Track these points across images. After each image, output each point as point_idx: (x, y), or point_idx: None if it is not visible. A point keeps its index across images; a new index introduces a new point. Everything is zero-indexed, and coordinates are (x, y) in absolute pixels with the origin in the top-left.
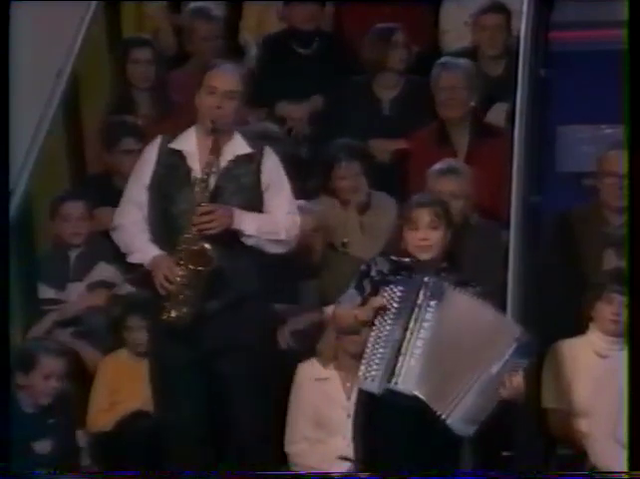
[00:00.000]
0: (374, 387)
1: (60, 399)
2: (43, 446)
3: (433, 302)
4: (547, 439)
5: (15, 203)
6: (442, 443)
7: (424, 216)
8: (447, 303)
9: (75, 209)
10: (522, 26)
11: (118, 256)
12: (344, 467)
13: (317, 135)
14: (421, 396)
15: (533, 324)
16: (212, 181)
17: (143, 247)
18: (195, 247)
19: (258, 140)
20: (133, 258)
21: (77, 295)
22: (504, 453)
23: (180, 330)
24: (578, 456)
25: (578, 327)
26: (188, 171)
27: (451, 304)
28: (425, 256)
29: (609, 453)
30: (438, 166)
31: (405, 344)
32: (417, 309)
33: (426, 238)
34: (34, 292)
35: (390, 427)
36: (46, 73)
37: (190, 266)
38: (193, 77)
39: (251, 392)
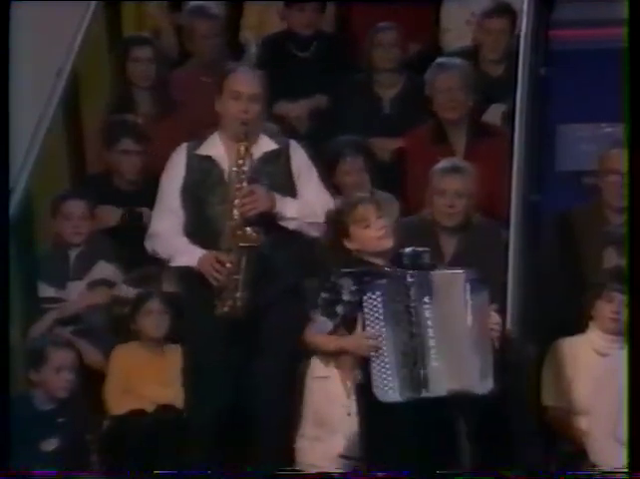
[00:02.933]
0: (396, 397)
1: (70, 396)
2: (50, 444)
3: (426, 298)
4: (547, 437)
5: (15, 201)
6: (445, 442)
7: (370, 209)
8: (438, 292)
9: (76, 207)
10: (523, 25)
11: (118, 255)
12: (344, 465)
13: (317, 134)
14: (457, 389)
15: (533, 323)
16: (246, 173)
17: (186, 250)
18: (240, 231)
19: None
20: (178, 262)
21: (77, 294)
22: (505, 451)
23: (227, 329)
24: (578, 454)
25: (578, 326)
26: (221, 174)
27: (441, 291)
28: (387, 244)
29: (609, 451)
30: (441, 164)
31: (419, 350)
32: (414, 312)
33: (382, 226)
34: (34, 291)
35: (397, 429)
36: (46, 72)
37: (237, 249)
38: (194, 76)
39: (277, 393)
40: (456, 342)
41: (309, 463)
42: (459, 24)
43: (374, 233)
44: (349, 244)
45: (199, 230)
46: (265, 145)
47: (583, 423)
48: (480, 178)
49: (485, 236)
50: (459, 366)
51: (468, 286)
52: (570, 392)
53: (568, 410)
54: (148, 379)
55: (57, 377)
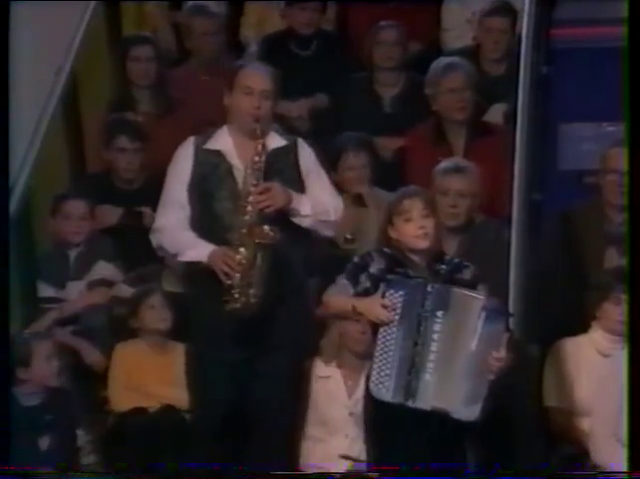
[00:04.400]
0: (388, 397)
1: (59, 395)
2: (42, 443)
3: (439, 313)
4: (549, 438)
5: (14, 200)
6: (449, 443)
7: (416, 205)
8: (453, 310)
9: (76, 207)
10: (524, 24)
11: (118, 255)
12: (346, 466)
13: (318, 133)
14: (440, 408)
15: (535, 323)
16: (262, 171)
17: (195, 245)
18: (257, 228)
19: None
20: (186, 257)
21: (77, 294)
22: (506, 452)
23: (233, 327)
24: (580, 455)
25: (580, 326)
26: (230, 168)
27: (456, 310)
28: (423, 245)
29: (611, 452)
30: (444, 164)
31: (417, 360)
32: (424, 321)
33: (423, 226)
34: (33, 291)
35: (402, 429)
36: (46, 71)
37: (252, 246)
38: (194, 75)
39: (283, 393)
40: (453, 363)
41: (311, 463)
42: (459, 23)
43: (413, 229)
44: (392, 233)
45: (206, 224)
46: (275, 141)
47: (585, 424)
48: (480, 177)
49: (488, 235)
50: (447, 386)
51: (483, 314)
52: (572, 393)
53: (570, 411)
54: (150, 377)
55: (47, 366)
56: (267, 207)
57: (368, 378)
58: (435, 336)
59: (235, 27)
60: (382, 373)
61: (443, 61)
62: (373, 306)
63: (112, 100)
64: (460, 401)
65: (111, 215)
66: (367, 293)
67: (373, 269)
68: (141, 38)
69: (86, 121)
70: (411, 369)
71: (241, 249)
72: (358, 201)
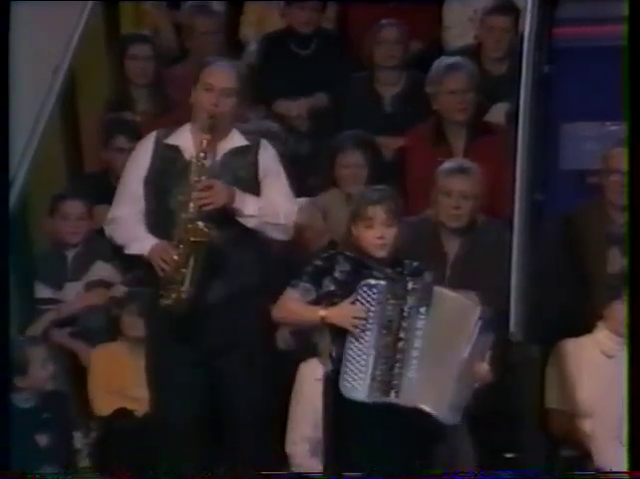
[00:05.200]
0: (363, 396)
1: (55, 396)
2: (38, 445)
3: (422, 309)
4: (551, 440)
5: (12, 200)
6: (417, 440)
7: (379, 213)
8: (435, 307)
9: (74, 207)
10: (526, 22)
11: (115, 255)
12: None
13: (317, 132)
14: (425, 408)
15: (537, 323)
16: (207, 167)
17: (141, 238)
18: (191, 225)
19: (258, 135)
20: (131, 249)
21: (74, 295)
22: (507, 455)
23: (181, 326)
24: (582, 458)
25: (582, 326)
26: (186, 165)
27: (439, 307)
28: (381, 254)
29: (614, 455)
30: (448, 164)
31: (400, 356)
32: (407, 317)
33: (382, 236)
34: (31, 292)
35: (363, 427)
36: (44, 70)
37: (187, 243)
38: (192, 73)
39: (251, 392)
40: (443, 366)
41: (310, 466)
42: (461, 21)
43: (372, 237)
44: (354, 231)
45: (159, 219)
46: (235, 140)
47: (587, 426)
48: (482, 177)
49: (490, 237)
50: (436, 388)
51: (479, 323)
52: (574, 394)
53: (572, 413)
54: (129, 380)
55: (42, 371)
56: (207, 204)
57: (327, 378)
58: (418, 333)
59: (235, 26)
60: (355, 372)
61: (445, 60)
62: (344, 314)
63: (110, 99)
64: (446, 404)
65: None
66: (329, 297)
67: (337, 273)
68: (139, 36)
69: (84, 120)
70: (393, 366)
71: (180, 246)
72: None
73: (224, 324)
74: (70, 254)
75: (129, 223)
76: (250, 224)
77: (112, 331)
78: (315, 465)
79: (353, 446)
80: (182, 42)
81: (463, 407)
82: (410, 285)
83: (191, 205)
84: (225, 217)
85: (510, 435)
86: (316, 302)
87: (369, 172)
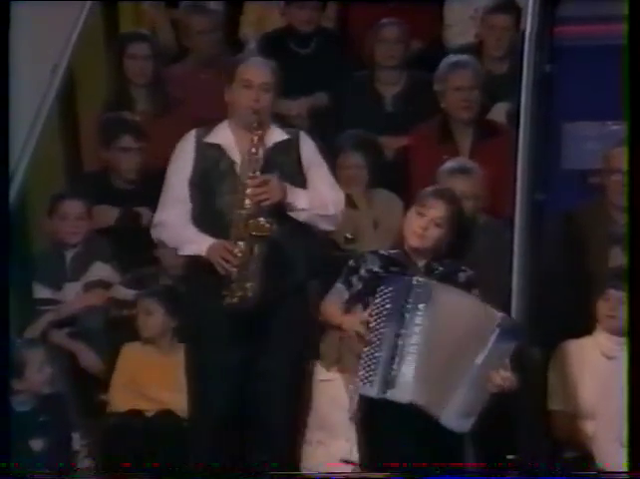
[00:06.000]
0: (373, 392)
1: (53, 398)
2: (36, 447)
3: (421, 305)
4: (553, 442)
5: (11, 200)
6: (445, 441)
7: (437, 207)
8: (435, 304)
9: (74, 207)
10: (528, 21)
11: (115, 256)
12: (346, 470)
13: (318, 132)
14: (418, 403)
15: (539, 324)
16: (260, 162)
17: (195, 239)
18: (253, 221)
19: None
20: (186, 251)
21: (73, 295)
22: (509, 456)
23: (236, 324)
24: (584, 459)
25: (584, 327)
26: (231, 163)
27: (439, 305)
28: (418, 244)
29: (615, 456)
30: (449, 164)
31: (397, 352)
32: (406, 314)
33: (427, 227)
34: (29, 292)
35: (392, 428)
36: (43, 69)
37: (248, 239)
38: (192, 73)
39: (289, 392)
40: (451, 370)
41: (312, 467)
42: (462, 20)
43: (415, 225)
44: (403, 225)
45: (208, 219)
46: (276, 135)
47: (589, 427)
48: (485, 177)
49: (490, 237)
50: (433, 386)
51: (497, 331)
52: (576, 395)
53: (574, 414)
54: (153, 380)
55: (40, 374)
56: (264, 200)
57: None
58: (416, 329)
59: (234, 25)
60: (368, 369)
61: (451, 58)
62: (350, 321)
63: (109, 98)
64: (453, 411)
65: (108, 215)
66: (359, 295)
67: (363, 271)
68: (138, 35)
69: (83, 120)
70: (392, 361)
71: (239, 243)
72: (350, 201)
73: (275, 324)
74: (69, 255)
75: (177, 225)
76: (302, 217)
77: (126, 333)
78: (316, 467)
79: (377, 445)
80: (181, 41)
81: (474, 416)
82: (413, 281)
83: (247, 201)
84: (278, 211)
85: (512, 436)
86: (351, 302)
87: (369, 172)
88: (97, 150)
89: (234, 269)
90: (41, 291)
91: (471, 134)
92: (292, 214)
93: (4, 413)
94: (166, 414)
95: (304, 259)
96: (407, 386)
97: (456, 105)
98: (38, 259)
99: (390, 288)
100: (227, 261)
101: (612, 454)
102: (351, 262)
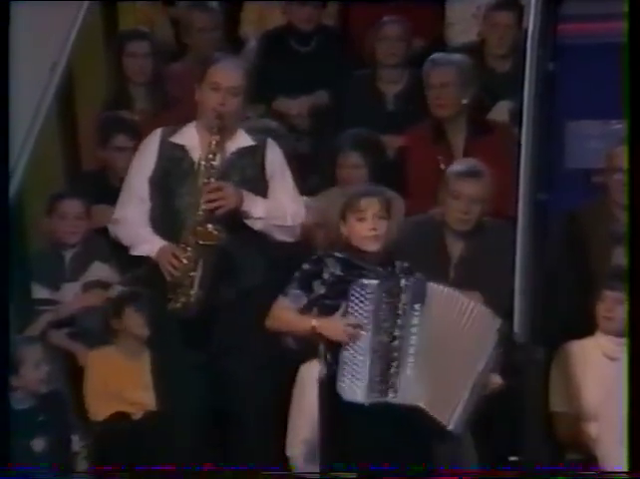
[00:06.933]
0: (361, 398)
1: (52, 398)
2: (36, 445)
3: (417, 305)
4: (556, 444)
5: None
6: (416, 442)
7: (372, 205)
8: (430, 304)
9: (72, 207)
10: (530, 19)
11: (114, 255)
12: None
13: (318, 130)
14: (423, 407)
15: (541, 325)
16: (216, 169)
17: (148, 239)
18: (201, 228)
19: (260, 134)
20: (138, 251)
21: (72, 296)
22: (511, 458)
23: (188, 328)
24: (588, 461)
25: (587, 328)
26: (192, 164)
27: (434, 304)
28: (373, 248)
29: (620, 459)
30: (457, 167)
31: (397, 355)
32: (402, 315)
33: (375, 227)
34: (28, 292)
35: (361, 428)
36: (41, 68)
37: (196, 246)
38: (192, 71)
39: (255, 392)
40: (440, 365)
41: (309, 469)
42: (464, 18)
43: (364, 229)
44: (343, 229)
45: (165, 220)
46: (241, 140)
47: (593, 430)
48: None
49: (494, 238)
50: (435, 388)
51: (495, 338)
52: (579, 397)
53: (577, 416)
54: (125, 382)
55: (36, 373)
56: (217, 207)
57: (322, 382)
58: (413, 330)
59: (235, 23)
60: (353, 374)
61: (431, 57)
62: (338, 327)
63: (108, 97)
64: (460, 418)
65: (107, 215)
66: (322, 300)
67: (326, 275)
68: (137, 33)
69: (81, 118)
70: (390, 364)
71: (188, 249)
72: None
73: (230, 326)
74: (68, 255)
75: (134, 223)
76: (257, 226)
77: (108, 333)
78: (313, 468)
79: (351, 448)
80: (180, 39)
81: (468, 417)
82: (403, 282)
83: (200, 207)
84: (232, 219)
85: (514, 438)
86: (308, 308)
87: (369, 172)
88: (94, 149)
89: (179, 275)
90: (39, 292)
91: (464, 133)
92: (248, 221)
93: (3, 413)
94: (154, 415)
95: (255, 266)
96: (410, 389)
97: (432, 103)
98: (36, 259)
99: (368, 291)
100: (174, 267)
101: (616, 456)
102: (307, 266)
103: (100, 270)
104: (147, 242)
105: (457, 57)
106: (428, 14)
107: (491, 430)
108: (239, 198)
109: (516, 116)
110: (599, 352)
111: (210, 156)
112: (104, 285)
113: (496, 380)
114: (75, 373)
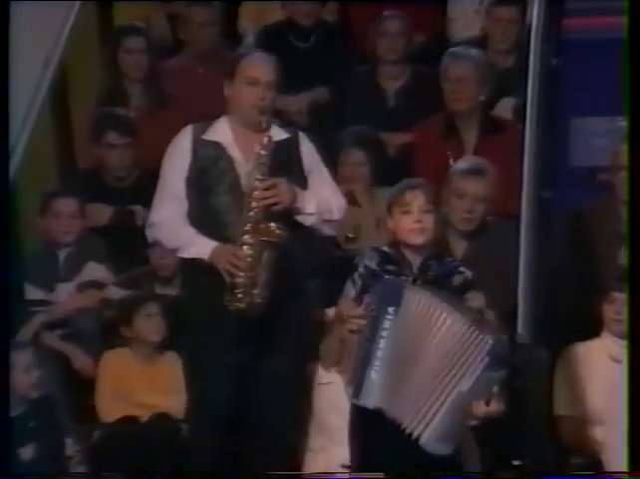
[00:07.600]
0: (350, 400)
1: (44, 402)
2: (27, 452)
3: (391, 309)
4: (560, 447)
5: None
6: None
7: (417, 198)
8: (405, 308)
9: (67, 205)
10: (534, 14)
11: (108, 256)
12: (347, 476)
13: (318, 128)
14: (384, 410)
15: (545, 326)
16: (267, 165)
17: (195, 241)
18: (263, 225)
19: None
20: (187, 253)
21: (66, 296)
22: (515, 462)
23: (235, 327)
24: (593, 465)
25: (592, 330)
26: (230, 162)
27: (409, 309)
28: (418, 241)
29: (624, 462)
30: (462, 165)
31: (365, 356)
32: (376, 317)
33: (421, 220)
34: (21, 293)
35: (382, 434)
36: (37, 65)
37: (257, 245)
38: (188, 66)
39: (290, 398)
40: (411, 373)
41: (313, 473)
42: (466, 13)
43: (410, 222)
44: (389, 224)
45: (204, 219)
46: (276, 134)
47: (598, 433)
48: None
49: (498, 237)
50: (400, 395)
51: (486, 359)
52: (584, 401)
53: (582, 420)
54: (138, 386)
55: (26, 377)
56: (273, 204)
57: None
58: (383, 333)
59: (233, 17)
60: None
61: (450, 50)
62: (340, 314)
63: (103, 93)
64: (434, 435)
65: (102, 213)
66: (361, 292)
67: (361, 268)
68: (133, 29)
69: (76, 116)
70: (364, 366)
71: (245, 247)
72: (352, 199)
73: (275, 326)
74: (62, 254)
75: (175, 225)
76: (308, 221)
77: (118, 336)
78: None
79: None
80: (177, 34)
81: (455, 440)
82: (379, 285)
83: (254, 204)
84: (284, 215)
85: (518, 442)
86: (357, 300)
87: (371, 170)
88: (88, 146)
89: (241, 275)
90: (33, 292)
91: (476, 130)
92: (299, 218)
93: (3, 416)
94: (162, 417)
95: (307, 263)
96: (373, 392)
97: (450, 97)
98: (30, 259)
99: (377, 288)
100: (235, 267)
101: (622, 461)
102: (356, 260)
103: (95, 271)
104: (194, 244)
105: (475, 52)
106: (429, 9)
107: (495, 434)
108: (293, 194)
109: (520, 112)
110: (605, 354)
111: (262, 152)
112: (99, 286)
113: (489, 409)
114: (68, 376)
